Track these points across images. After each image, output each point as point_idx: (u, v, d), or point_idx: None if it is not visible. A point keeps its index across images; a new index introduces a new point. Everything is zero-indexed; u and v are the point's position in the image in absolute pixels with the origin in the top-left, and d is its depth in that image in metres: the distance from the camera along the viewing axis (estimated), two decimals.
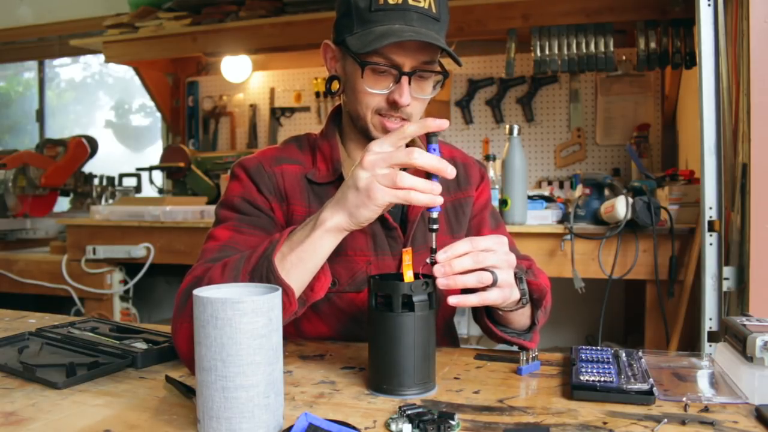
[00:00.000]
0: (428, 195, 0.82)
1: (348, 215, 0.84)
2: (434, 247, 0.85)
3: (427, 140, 0.86)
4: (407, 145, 0.86)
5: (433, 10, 0.99)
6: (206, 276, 0.90)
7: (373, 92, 1.00)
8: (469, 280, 0.85)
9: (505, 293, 0.88)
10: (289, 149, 1.14)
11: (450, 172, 0.82)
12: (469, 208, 1.20)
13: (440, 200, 0.83)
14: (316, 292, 0.92)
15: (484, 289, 0.86)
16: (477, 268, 0.85)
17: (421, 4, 0.97)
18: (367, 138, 1.05)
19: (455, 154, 1.23)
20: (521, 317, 1.01)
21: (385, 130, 1.02)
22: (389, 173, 0.81)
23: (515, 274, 0.93)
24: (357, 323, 1.11)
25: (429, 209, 0.85)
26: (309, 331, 1.13)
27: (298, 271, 0.87)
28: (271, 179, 1.07)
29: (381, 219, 1.08)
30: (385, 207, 0.83)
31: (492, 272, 0.86)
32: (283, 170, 1.08)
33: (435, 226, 0.86)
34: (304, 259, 0.87)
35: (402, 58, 0.97)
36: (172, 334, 0.91)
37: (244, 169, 1.09)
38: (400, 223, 1.11)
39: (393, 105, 1.00)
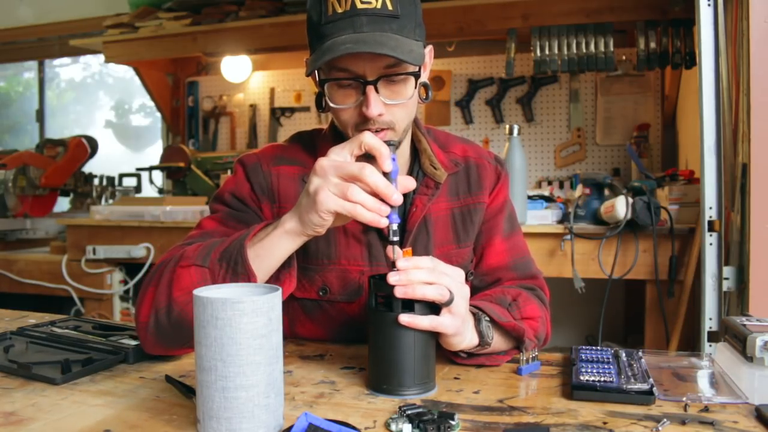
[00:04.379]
0: (373, 214, 0.81)
1: (300, 219, 0.86)
2: (393, 260, 0.82)
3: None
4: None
5: (389, 7, 0.90)
6: (181, 253, 0.93)
7: (343, 108, 0.95)
8: (429, 291, 0.80)
9: (457, 323, 0.84)
10: (293, 148, 1.12)
11: (396, 198, 0.81)
12: (479, 215, 1.14)
13: (384, 222, 0.81)
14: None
15: (437, 313, 0.83)
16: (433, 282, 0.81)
17: (373, 5, 0.89)
18: None
19: (468, 153, 1.15)
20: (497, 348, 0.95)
21: None
22: (340, 183, 0.81)
23: (474, 314, 0.91)
24: (351, 329, 1.09)
25: (390, 220, 0.83)
26: (304, 334, 1.13)
27: (255, 266, 0.88)
28: (266, 179, 1.08)
29: (378, 230, 1.05)
30: (332, 215, 0.83)
31: (450, 291, 0.81)
32: (279, 171, 1.08)
33: (395, 238, 0.83)
34: (260, 256, 0.89)
35: (361, 68, 0.91)
36: (137, 300, 0.95)
37: (242, 166, 1.10)
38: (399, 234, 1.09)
39: (365, 118, 0.94)
